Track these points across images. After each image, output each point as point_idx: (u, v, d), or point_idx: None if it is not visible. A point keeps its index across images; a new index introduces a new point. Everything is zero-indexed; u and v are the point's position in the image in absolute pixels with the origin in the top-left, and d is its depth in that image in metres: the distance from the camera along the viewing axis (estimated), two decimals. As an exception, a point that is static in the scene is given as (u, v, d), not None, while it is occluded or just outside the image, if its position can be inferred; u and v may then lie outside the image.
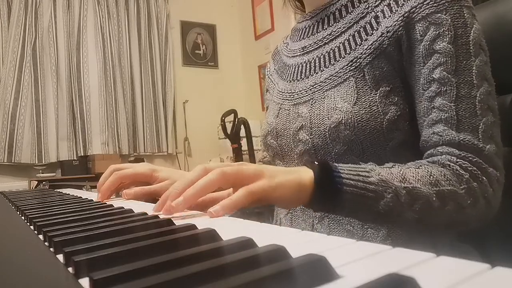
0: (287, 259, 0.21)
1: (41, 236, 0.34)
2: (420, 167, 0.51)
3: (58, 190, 1.06)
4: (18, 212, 0.54)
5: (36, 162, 3.24)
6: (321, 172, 0.46)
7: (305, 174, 0.46)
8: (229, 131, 3.21)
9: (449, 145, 0.53)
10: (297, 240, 0.28)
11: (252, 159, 3.14)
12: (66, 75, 3.41)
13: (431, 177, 0.49)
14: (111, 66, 3.58)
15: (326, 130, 0.60)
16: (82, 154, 3.41)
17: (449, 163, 0.52)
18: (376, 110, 0.57)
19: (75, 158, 3.36)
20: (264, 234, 0.31)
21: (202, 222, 0.37)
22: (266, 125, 0.74)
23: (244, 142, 3.25)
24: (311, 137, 0.62)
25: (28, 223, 0.43)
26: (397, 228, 0.57)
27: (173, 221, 0.35)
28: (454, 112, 0.53)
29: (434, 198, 0.48)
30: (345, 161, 0.59)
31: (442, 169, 0.51)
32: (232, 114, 3.16)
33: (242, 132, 3.21)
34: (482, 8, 0.74)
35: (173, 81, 3.92)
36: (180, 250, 0.23)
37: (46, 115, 3.31)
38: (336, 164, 0.48)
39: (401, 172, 0.49)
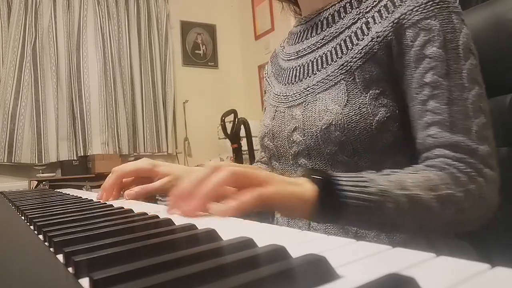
0: (287, 259, 0.21)
1: (41, 236, 0.34)
2: (418, 172, 0.51)
3: (58, 190, 1.06)
4: (18, 212, 0.54)
5: (36, 162, 3.24)
6: (323, 187, 0.46)
7: (308, 188, 0.46)
8: (229, 131, 3.21)
9: (443, 147, 0.54)
10: (297, 240, 0.28)
11: (252, 159, 3.14)
12: (66, 75, 3.41)
13: (430, 182, 0.49)
14: (111, 66, 3.58)
15: (318, 132, 0.61)
16: (82, 154, 3.41)
17: (446, 166, 0.52)
18: (365, 112, 0.59)
19: (75, 158, 3.36)
20: (264, 234, 0.31)
21: (202, 222, 0.37)
22: (263, 127, 0.76)
23: (244, 142, 3.25)
24: (304, 138, 0.64)
25: (28, 223, 0.43)
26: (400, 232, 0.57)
27: (173, 221, 0.35)
28: (447, 114, 0.54)
29: (434, 204, 0.48)
30: (336, 160, 0.61)
31: (440, 172, 0.51)
32: (232, 114, 3.17)
33: (242, 132, 3.21)
34: (482, 8, 0.74)
35: (173, 81, 3.92)
36: (180, 250, 0.23)
37: (46, 115, 3.31)
38: (336, 175, 0.48)
39: (399, 180, 0.49)
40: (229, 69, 4.29)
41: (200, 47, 4.20)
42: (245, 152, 3.26)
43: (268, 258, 0.21)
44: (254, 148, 3.24)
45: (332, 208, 0.46)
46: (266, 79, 0.87)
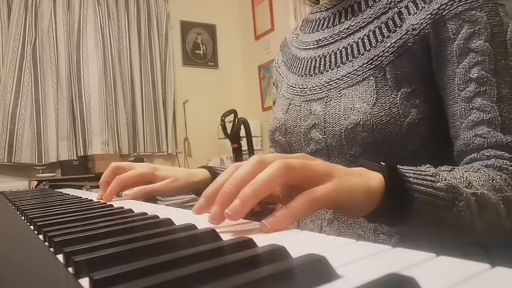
0: (287, 259, 0.21)
1: (41, 236, 0.34)
2: (479, 171, 0.47)
3: (58, 190, 1.06)
4: (18, 212, 0.54)
5: (36, 162, 3.23)
6: (391, 177, 0.39)
7: (373, 177, 0.38)
8: (229, 131, 3.21)
9: (495, 147, 0.49)
10: (297, 240, 0.28)
11: (252, 159, 3.13)
12: (66, 75, 3.40)
13: (494, 182, 0.45)
14: (111, 66, 3.58)
15: (342, 131, 0.57)
16: (82, 154, 3.40)
17: (506, 166, 0.48)
18: (396, 113, 0.55)
19: (75, 158, 3.36)
20: (264, 234, 0.31)
21: (202, 222, 0.37)
22: (274, 120, 0.71)
23: (244, 142, 3.25)
24: (324, 136, 0.60)
25: (28, 223, 0.43)
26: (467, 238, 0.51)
27: (173, 220, 0.35)
28: (497, 113, 0.49)
29: (501, 206, 0.44)
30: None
31: (500, 173, 0.47)
32: (232, 114, 3.16)
33: (242, 132, 3.21)
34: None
35: (173, 81, 3.92)
36: (180, 250, 0.23)
37: (46, 115, 3.31)
38: (399, 167, 0.41)
39: (464, 177, 0.43)
40: (229, 69, 4.29)
41: (200, 47, 4.19)
42: (245, 152, 3.26)
43: (268, 258, 0.21)
44: (254, 148, 3.24)
45: (399, 202, 0.39)
46: (276, 70, 0.81)
